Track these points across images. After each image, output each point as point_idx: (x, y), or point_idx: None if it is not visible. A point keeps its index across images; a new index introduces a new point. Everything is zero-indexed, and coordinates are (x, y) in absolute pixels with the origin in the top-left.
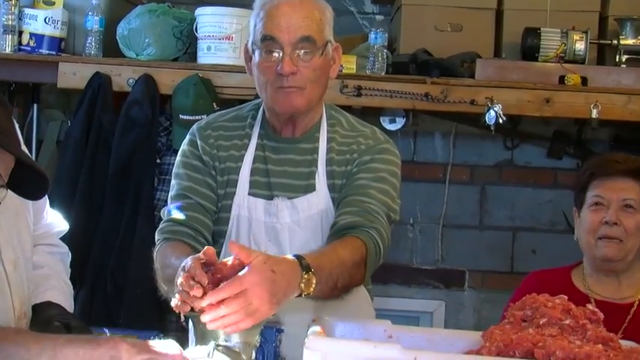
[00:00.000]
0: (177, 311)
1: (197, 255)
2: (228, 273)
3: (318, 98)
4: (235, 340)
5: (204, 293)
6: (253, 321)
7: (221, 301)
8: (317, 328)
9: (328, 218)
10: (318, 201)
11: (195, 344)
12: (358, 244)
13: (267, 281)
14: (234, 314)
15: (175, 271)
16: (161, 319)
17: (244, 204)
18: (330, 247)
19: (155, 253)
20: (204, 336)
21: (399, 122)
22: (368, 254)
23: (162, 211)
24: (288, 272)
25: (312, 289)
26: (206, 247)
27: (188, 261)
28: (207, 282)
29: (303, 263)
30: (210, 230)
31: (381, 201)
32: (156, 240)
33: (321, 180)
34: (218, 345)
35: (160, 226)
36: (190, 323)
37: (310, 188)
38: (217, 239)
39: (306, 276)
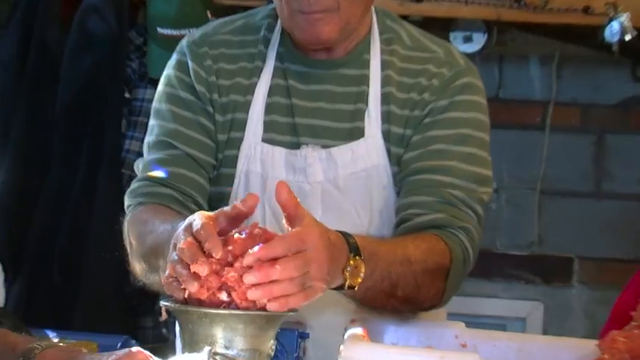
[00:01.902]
0: (161, 305)
1: (222, 210)
2: (242, 248)
3: (359, 17)
4: (240, 346)
5: (213, 273)
6: (304, 299)
7: (273, 261)
8: (357, 331)
9: (380, 180)
10: (367, 153)
11: (183, 351)
12: (440, 247)
13: (328, 247)
14: (289, 282)
15: (162, 238)
16: (132, 319)
17: (256, 155)
18: (396, 238)
19: (125, 225)
20: (195, 339)
21: (478, 41)
22: (452, 264)
23: (135, 166)
24: (338, 246)
25: (359, 280)
26: (247, 195)
27: (195, 218)
28: (219, 254)
29: (350, 242)
30: (206, 194)
31: (469, 176)
32: (125, 207)
33: (372, 123)
34: (215, 353)
35: (132, 186)
36: (177, 324)
37: (356, 134)
38: (216, 206)
39: (352, 261)
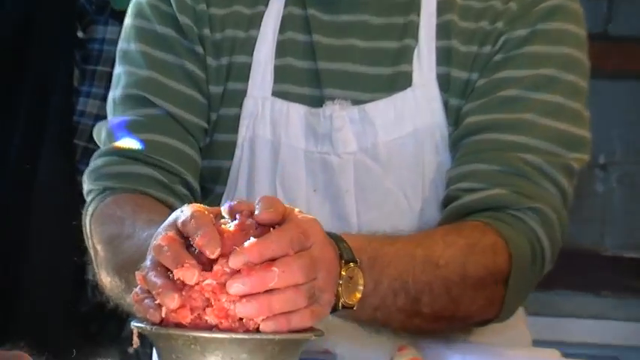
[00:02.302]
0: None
1: (233, 203)
2: (227, 244)
3: None
4: None
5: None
6: (312, 316)
7: (269, 263)
8: (404, 357)
9: (436, 147)
10: (417, 108)
11: None
12: (488, 241)
13: (332, 245)
14: (293, 291)
15: (146, 247)
16: (90, 350)
17: (264, 115)
18: (417, 234)
19: (87, 221)
20: None
21: None
22: (513, 264)
23: (95, 133)
24: (329, 253)
25: (357, 296)
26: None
27: (184, 210)
28: (217, 251)
29: (341, 246)
30: (197, 170)
31: (552, 135)
32: (85, 193)
33: (424, 66)
34: None
35: (93, 164)
36: (155, 356)
37: (401, 82)
38: (210, 187)
39: (344, 271)
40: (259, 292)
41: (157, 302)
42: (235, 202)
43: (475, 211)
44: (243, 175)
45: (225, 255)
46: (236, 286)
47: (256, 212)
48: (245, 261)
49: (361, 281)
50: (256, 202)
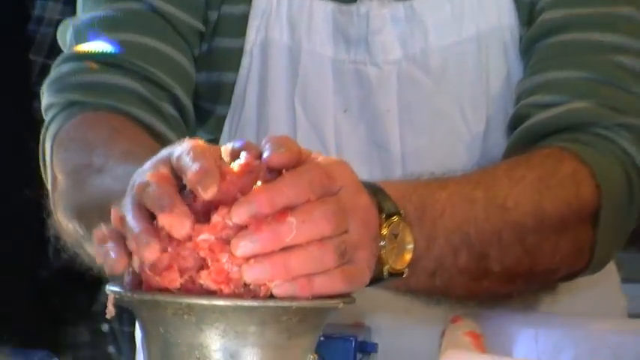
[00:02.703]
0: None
1: (237, 143)
2: (229, 190)
3: None
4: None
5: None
6: (345, 281)
7: (283, 213)
8: (463, 339)
9: (504, 54)
10: (480, 5)
11: None
12: (567, 170)
13: (368, 195)
14: (317, 247)
15: (120, 186)
16: (55, 329)
17: (280, 13)
18: (475, 171)
19: (48, 144)
20: (171, 354)
21: None
22: (603, 198)
23: (58, 36)
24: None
25: (407, 259)
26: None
27: (183, 144)
28: (213, 190)
29: (379, 197)
30: (190, 84)
31: None
32: (43, 108)
33: None
34: None
35: (56, 72)
36: (138, 329)
37: None
38: (209, 107)
39: (385, 228)
40: (271, 252)
41: (125, 252)
42: (240, 143)
43: (550, 132)
44: (252, 91)
45: (227, 203)
46: (243, 246)
47: (264, 154)
48: (252, 212)
49: (409, 238)
50: (263, 141)
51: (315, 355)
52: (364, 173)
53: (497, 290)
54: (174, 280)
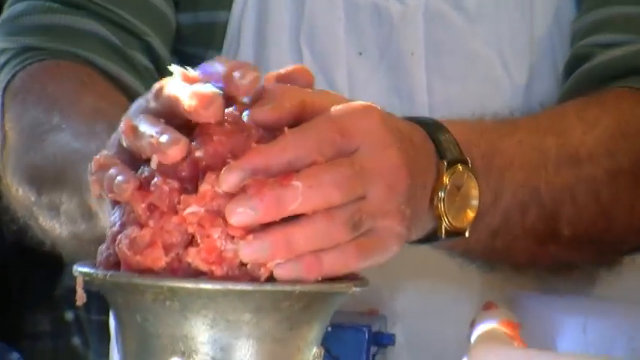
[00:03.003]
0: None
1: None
2: (220, 149)
3: None
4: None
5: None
6: (359, 257)
7: (287, 175)
8: (497, 329)
9: None
10: None
11: None
12: None
13: (401, 146)
14: (325, 218)
15: (80, 151)
16: (11, 319)
17: None
18: (543, 113)
19: None
20: (150, 347)
21: None
22: None
23: None
24: (417, 146)
25: (470, 216)
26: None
27: (172, 85)
28: (218, 114)
29: (441, 138)
30: (168, 29)
31: None
32: None
33: None
34: None
35: (9, 12)
36: (111, 318)
37: None
38: (198, 53)
39: (447, 177)
40: (272, 222)
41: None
42: (216, 66)
43: (615, 75)
44: (247, 31)
45: (216, 169)
46: (240, 213)
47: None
48: (244, 178)
49: (475, 192)
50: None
51: (321, 349)
52: None
53: (563, 257)
54: (159, 259)
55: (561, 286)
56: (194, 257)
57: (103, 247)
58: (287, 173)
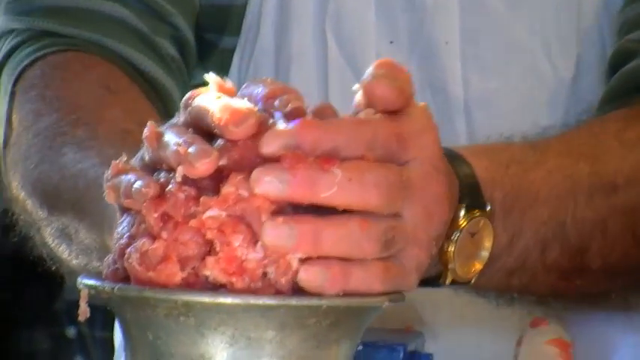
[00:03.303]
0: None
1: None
2: (244, 155)
3: None
4: None
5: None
6: (383, 280)
7: (325, 161)
8: (542, 341)
9: None
10: None
11: None
12: None
13: (442, 170)
14: (359, 222)
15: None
16: (4, 328)
17: None
18: (586, 127)
19: (5, 80)
20: (159, 359)
21: None
22: None
23: None
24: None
25: (475, 269)
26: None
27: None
28: (245, 128)
29: (460, 173)
30: (193, 11)
31: None
32: None
33: None
34: None
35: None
36: (118, 334)
37: None
38: (213, 39)
39: (462, 221)
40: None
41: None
42: (260, 85)
43: None
44: (267, 16)
45: (240, 169)
46: (267, 182)
47: (364, 79)
48: (288, 145)
49: (488, 243)
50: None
51: None
52: None
53: (592, 289)
54: (174, 275)
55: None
56: (212, 267)
57: (109, 259)
58: (329, 157)
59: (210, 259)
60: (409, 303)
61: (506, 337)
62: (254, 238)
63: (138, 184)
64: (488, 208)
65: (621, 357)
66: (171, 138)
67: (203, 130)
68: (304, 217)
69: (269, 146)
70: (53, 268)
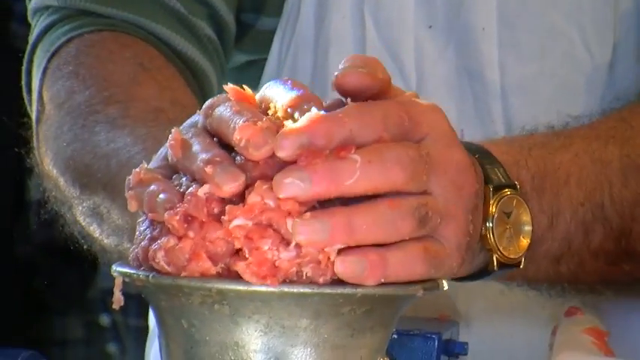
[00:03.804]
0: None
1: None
2: (269, 162)
3: None
4: None
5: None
6: (424, 261)
7: (342, 150)
8: (578, 330)
9: None
10: None
11: None
12: None
13: (464, 150)
14: (389, 202)
15: (139, 148)
16: (38, 325)
17: None
18: (616, 115)
19: (40, 62)
20: (196, 356)
21: None
22: None
23: None
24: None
25: (522, 248)
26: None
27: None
28: (266, 151)
29: (486, 161)
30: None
31: None
32: (32, 9)
33: None
34: None
35: None
36: (153, 322)
37: None
38: (249, 21)
39: (493, 204)
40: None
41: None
42: (293, 92)
43: None
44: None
45: (266, 179)
46: (289, 184)
47: (337, 72)
48: (302, 143)
49: (526, 217)
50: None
51: (386, 359)
52: (451, 110)
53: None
54: (208, 269)
55: None
56: (243, 272)
57: (133, 254)
58: (345, 146)
59: (240, 264)
60: (443, 292)
61: (540, 327)
62: (283, 241)
63: (161, 197)
64: (517, 186)
65: None
66: (197, 151)
67: (222, 140)
68: (332, 209)
69: (284, 150)
70: (85, 248)
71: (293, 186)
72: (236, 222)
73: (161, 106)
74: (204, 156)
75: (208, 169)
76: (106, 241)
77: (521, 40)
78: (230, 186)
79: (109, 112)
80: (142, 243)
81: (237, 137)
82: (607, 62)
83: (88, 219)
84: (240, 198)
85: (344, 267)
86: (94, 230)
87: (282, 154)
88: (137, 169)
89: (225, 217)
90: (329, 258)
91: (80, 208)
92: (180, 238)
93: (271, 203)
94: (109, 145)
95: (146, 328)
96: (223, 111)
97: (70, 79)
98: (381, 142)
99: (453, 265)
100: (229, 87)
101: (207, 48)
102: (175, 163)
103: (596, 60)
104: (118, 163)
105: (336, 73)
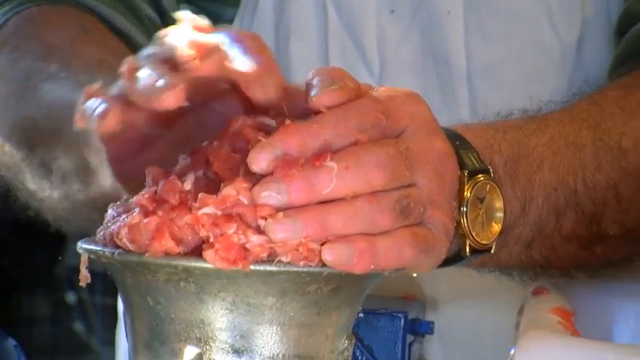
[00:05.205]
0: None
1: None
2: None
3: None
4: (269, 347)
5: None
6: (413, 245)
7: (317, 158)
8: (547, 317)
9: None
10: None
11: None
12: None
13: (445, 139)
14: (367, 200)
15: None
16: (2, 295)
17: None
18: (587, 99)
19: None
20: (163, 332)
21: None
22: None
23: None
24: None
25: (493, 233)
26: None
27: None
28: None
29: (459, 145)
30: None
31: None
32: None
33: None
34: None
35: None
36: (120, 302)
37: None
38: (215, 10)
39: (468, 190)
40: (304, 207)
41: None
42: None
43: None
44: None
45: (250, 174)
46: (266, 197)
47: (311, 93)
48: (277, 155)
49: (499, 203)
50: (310, 76)
51: (352, 337)
52: None
53: (613, 256)
54: (172, 249)
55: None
56: (213, 260)
57: (100, 233)
58: (321, 153)
59: (209, 252)
60: (409, 273)
61: (507, 306)
62: (249, 227)
63: (101, 106)
64: (491, 171)
65: (622, 326)
66: (144, 74)
67: (177, 68)
68: (306, 207)
69: (259, 163)
70: (51, 230)
71: (271, 199)
72: (205, 210)
73: (104, 57)
74: (149, 74)
75: (148, 89)
76: (55, 194)
77: (487, 24)
78: (167, 94)
79: (50, 69)
80: (112, 227)
81: (185, 53)
82: (575, 41)
83: (36, 178)
84: (213, 187)
85: (332, 255)
86: (42, 187)
87: (257, 167)
88: (89, 87)
89: (195, 204)
90: (307, 246)
91: (29, 169)
92: (147, 216)
93: (245, 201)
94: (53, 95)
95: (113, 306)
96: (176, 35)
97: (14, 51)
98: (359, 144)
99: (442, 250)
100: (185, 14)
101: (149, 28)
102: (124, 89)
103: (563, 40)
104: (61, 108)
105: (311, 96)
